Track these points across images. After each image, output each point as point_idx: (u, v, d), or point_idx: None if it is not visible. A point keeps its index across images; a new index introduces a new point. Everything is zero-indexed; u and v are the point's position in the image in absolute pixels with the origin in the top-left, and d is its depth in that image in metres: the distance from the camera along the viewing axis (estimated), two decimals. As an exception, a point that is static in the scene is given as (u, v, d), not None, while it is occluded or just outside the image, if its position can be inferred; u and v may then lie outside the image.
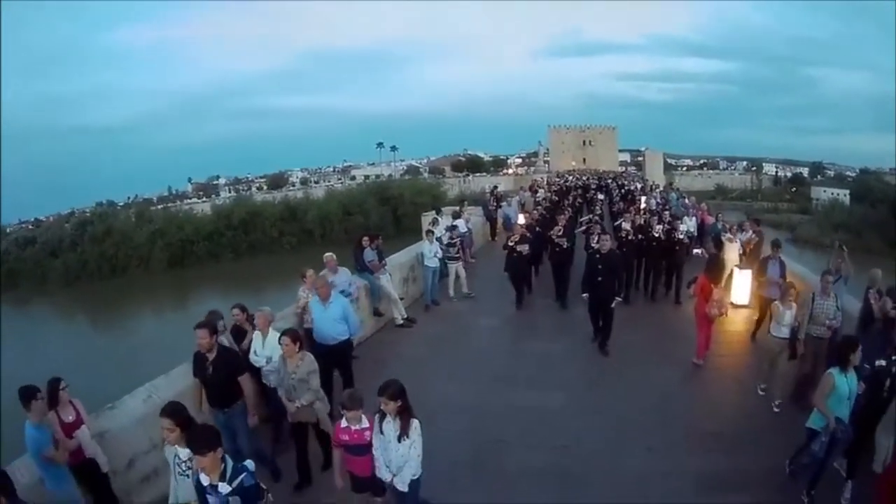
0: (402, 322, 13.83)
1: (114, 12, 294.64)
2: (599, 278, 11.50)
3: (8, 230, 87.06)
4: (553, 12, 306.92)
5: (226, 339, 8.37)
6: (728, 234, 16.14)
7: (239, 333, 8.97)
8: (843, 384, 6.53)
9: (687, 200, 26.00)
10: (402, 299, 14.27)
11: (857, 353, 6.62)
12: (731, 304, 13.49)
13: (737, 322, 12.87)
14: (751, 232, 15.19)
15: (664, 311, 14.38)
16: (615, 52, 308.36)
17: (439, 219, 18.83)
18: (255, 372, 8.20)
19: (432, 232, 16.23)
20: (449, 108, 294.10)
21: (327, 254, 11.74)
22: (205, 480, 4.66)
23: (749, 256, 14.32)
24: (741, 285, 13.85)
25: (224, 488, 4.59)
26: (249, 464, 4.85)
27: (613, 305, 11.66)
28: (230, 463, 4.72)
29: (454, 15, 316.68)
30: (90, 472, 6.56)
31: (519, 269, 15.03)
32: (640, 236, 15.53)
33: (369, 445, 5.84)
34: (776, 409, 8.91)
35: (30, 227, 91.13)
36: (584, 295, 11.97)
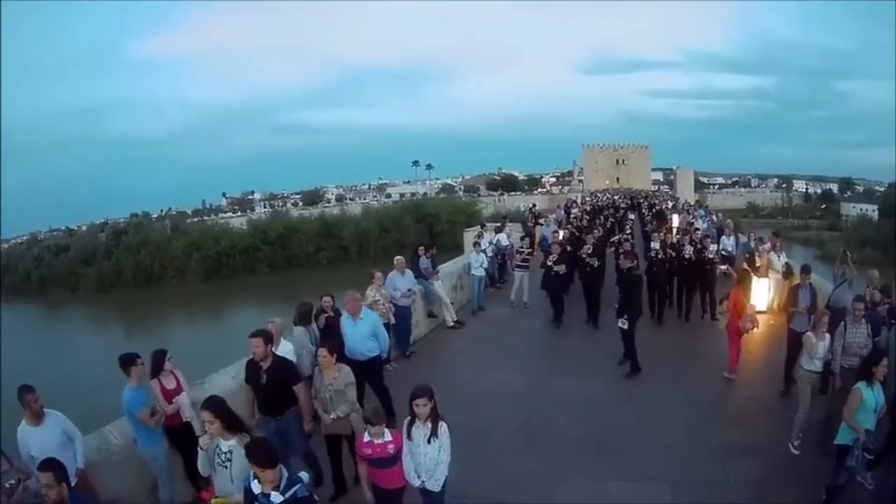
0: (452, 324, 15.16)
1: (148, 25, 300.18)
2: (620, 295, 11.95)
3: (40, 237, 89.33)
4: (588, 30, 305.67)
5: (312, 330, 9.54)
6: (772, 252, 16.10)
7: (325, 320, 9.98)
8: (871, 397, 6.59)
9: (714, 217, 26.69)
10: (451, 304, 15.57)
11: (881, 366, 6.69)
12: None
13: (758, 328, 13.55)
14: (769, 244, 16.35)
15: (696, 324, 15.00)
16: (650, 68, 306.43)
17: (484, 233, 20.21)
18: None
19: (479, 244, 17.68)
20: (484, 126, 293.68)
21: (398, 257, 13.29)
22: (256, 489, 4.72)
23: (764, 268, 15.36)
24: (760, 292, 14.70)
25: (276, 497, 4.63)
26: (304, 475, 5.01)
27: (620, 325, 11.74)
28: (285, 473, 4.76)
29: (489, 32, 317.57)
30: (186, 436, 7.09)
31: (556, 287, 15.32)
32: (671, 254, 15.58)
33: (392, 458, 5.97)
34: (795, 451, 8.43)
35: (61, 234, 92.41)
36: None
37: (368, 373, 9.18)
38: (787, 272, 13.84)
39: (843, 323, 8.69)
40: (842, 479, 6.66)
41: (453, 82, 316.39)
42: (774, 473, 7.98)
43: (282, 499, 4.61)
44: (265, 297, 53.40)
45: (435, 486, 6.02)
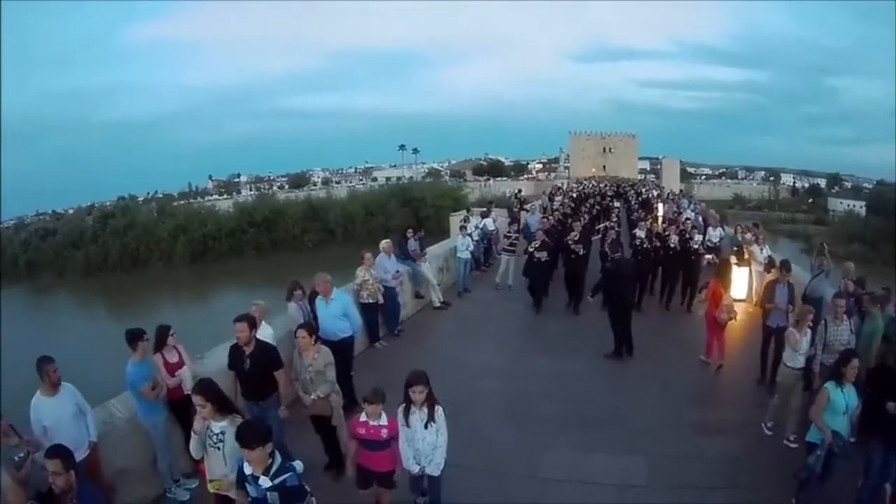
0: (439, 305, 15.52)
1: (140, 9, 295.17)
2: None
3: (27, 221, 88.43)
4: (580, 16, 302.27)
5: (304, 306, 9.86)
6: (756, 245, 15.86)
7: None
8: (840, 398, 6.47)
9: (697, 207, 26.80)
10: (438, 285, 15.92)
11: (851, 366, 6.57)
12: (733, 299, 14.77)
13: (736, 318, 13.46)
14: (749, 235, 16.54)
15: (676, 313, 15.22)
16: (642, 58, 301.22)
17: (470, 217, 20.62)
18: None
19: (465, 228, 18.02)
20: (471, 111, 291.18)
21: (385, 240, 13.59)
22: (247, 469, 4.82)
23: (748, 259, 15.61)
24: (739, 281, 15.06)
25: (264, 482, 4.72)
26: (298, 465, 4.98)
27: (589, 297, 12.81)
28: (278, 459, 4.84)
29: (479, 17, 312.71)
30: (188, 408, 7.05)
31: (537, 274, 15.35)
32: (657, 243, 15.66)
33: (384, 442, 6.00)
34: (792, 445, 8.20)
35: (48, 218, 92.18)
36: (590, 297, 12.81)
37: (340, 353, 9.03)
38: (770, 265, 13.74)
39: (823, 321, 8.69)
40: (801, 474, 6.70)
41: (441, 67, 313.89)
42: (748, 452, 8.33)
43: (270, 483, 4.72)
44: (251, 279, 53.15)
45: (435, 470, 6.12)
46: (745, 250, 16.08)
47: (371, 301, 11.97)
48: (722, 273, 11.93)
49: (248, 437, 4.73)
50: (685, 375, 11.17)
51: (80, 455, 6.24)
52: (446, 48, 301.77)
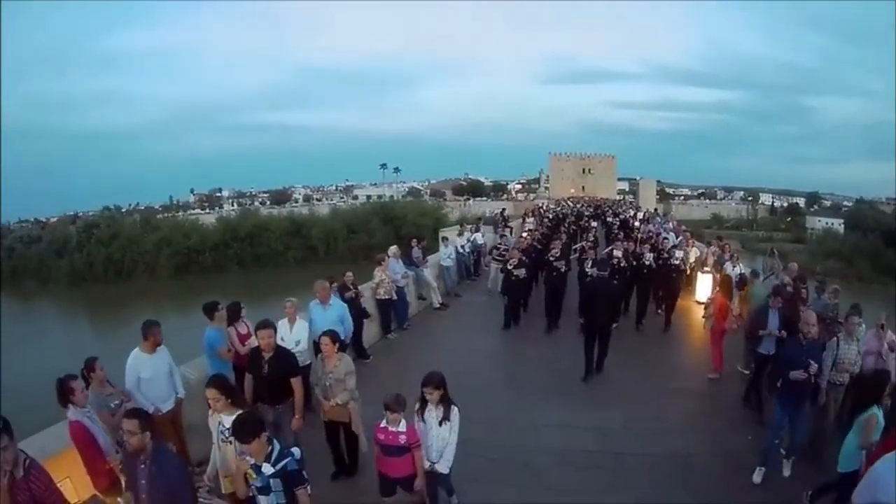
0: (438, 305, 17.45)
1: (125, 17, 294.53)
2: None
3: (10, 227, 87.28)
4: (556, 39, 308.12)
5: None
6: (729, 262, 16.24)
7: (345, 291, 11.91)
8: (882, 418, 6.42)
9: (670, 224, 27.89)
10: (437, 289, 17.79)
11: (889, 392, 6.67)
12: (696, 301, 16.85)
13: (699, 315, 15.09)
14: (715, 247, 18.30)
15: (648, 327, 15.53)
16: (615, 80, 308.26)
17: (464, 232, 22.50)
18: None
19: (447, 239, 20.23)
20: (451, 131, 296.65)
21: (393, 247, 15.57)
22: (250, 460, 4.94)
23: (714, 268, 17.02)
24: (703, 285, 16.85)
25: (267, 469, 4.88)
26: (296, 451, 5.13)
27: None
28: (277, 446, 5.00)
29: (460, 38, 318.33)
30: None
31: (516, 292, 15.57)
32: (633, 262, 15.97)
33: (403, 448, 6.10)
34: (745, 371, 9.78)
35: (30, 225, 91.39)
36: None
37: None
38: (741, 282, 13.99)
39: (835, 338, 8.48)
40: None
41: (422, 87, 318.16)
42: (706, 409, 10.50)
43: (272, 470, 4.92)
44: (234, 294, 52.69)
45: (444, 467, 6.42)
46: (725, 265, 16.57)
47: (386, 297, 13.92)
48: (724, 288, 12.57)
49: (243, 431, 4.92)
50: (655, 351, 13.64)
51: (167, 406, 7.65)
52: (425, 69, 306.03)
